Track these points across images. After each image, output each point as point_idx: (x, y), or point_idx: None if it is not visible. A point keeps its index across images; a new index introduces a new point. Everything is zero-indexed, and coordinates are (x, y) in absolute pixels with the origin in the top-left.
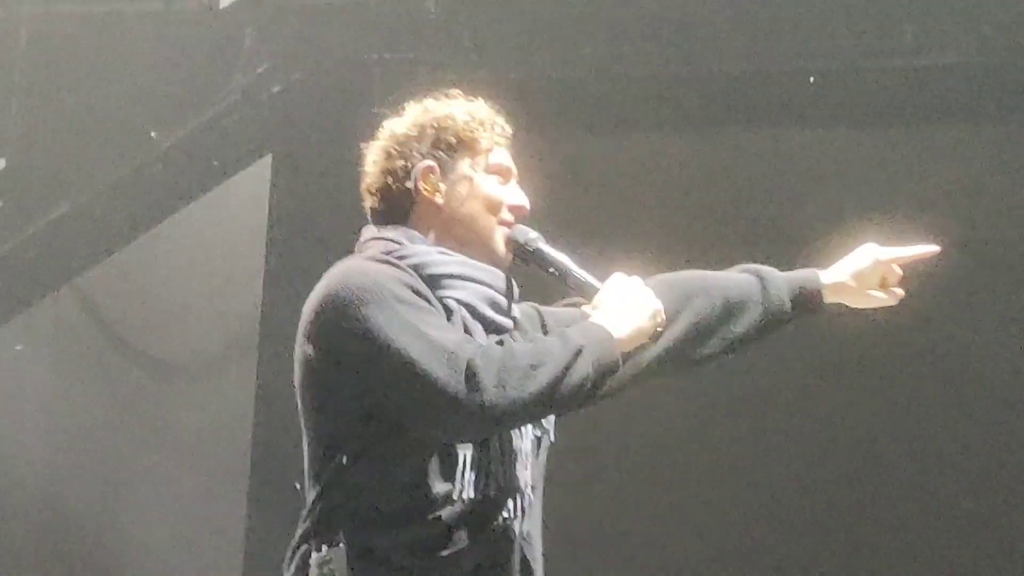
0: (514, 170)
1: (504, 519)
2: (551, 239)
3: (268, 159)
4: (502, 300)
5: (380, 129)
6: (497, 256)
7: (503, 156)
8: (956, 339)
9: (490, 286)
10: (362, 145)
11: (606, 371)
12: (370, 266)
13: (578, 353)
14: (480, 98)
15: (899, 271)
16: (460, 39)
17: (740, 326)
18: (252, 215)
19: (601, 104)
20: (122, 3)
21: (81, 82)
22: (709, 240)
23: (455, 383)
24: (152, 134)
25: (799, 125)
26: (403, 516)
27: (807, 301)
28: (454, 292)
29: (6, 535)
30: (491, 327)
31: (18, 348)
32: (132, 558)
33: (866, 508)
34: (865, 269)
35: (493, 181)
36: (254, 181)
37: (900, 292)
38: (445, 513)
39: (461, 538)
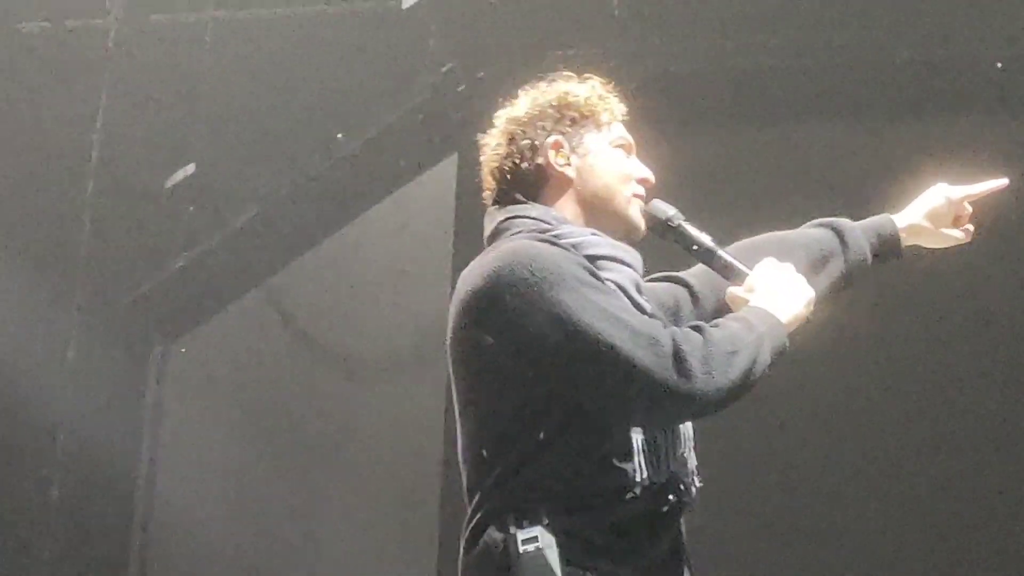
0: (634, 144)
1: (684, 501)
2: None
3: (454, 158)
4: (641, 283)
5: (496, 117)
6: (634, 229)
7: (623, 130)
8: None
9: (634, 268)
10: (479, 136)
11: (780, 357)
12: (543, 248)
13: (761, 339)
14: (593, 78)
15: (970, 208)
16: (644, 35)
17: (825, 281)
18: (439, 214)
19: (781, 95)
20: (305, 5)
21: (267, 85)
22: None
23: (663, 370)
24: (339, 135)
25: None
26: (600, 496)
27: (886, 247)
28: (610, 274)
29: (196, 530)
30: (641, 310)
31: (183, 351)
32: (322, 561)
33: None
34: (939, 208)
35: (620, 154)
36: (441, 180)
37: (971, 228)
38: (638, 495)
39: (654, 521)
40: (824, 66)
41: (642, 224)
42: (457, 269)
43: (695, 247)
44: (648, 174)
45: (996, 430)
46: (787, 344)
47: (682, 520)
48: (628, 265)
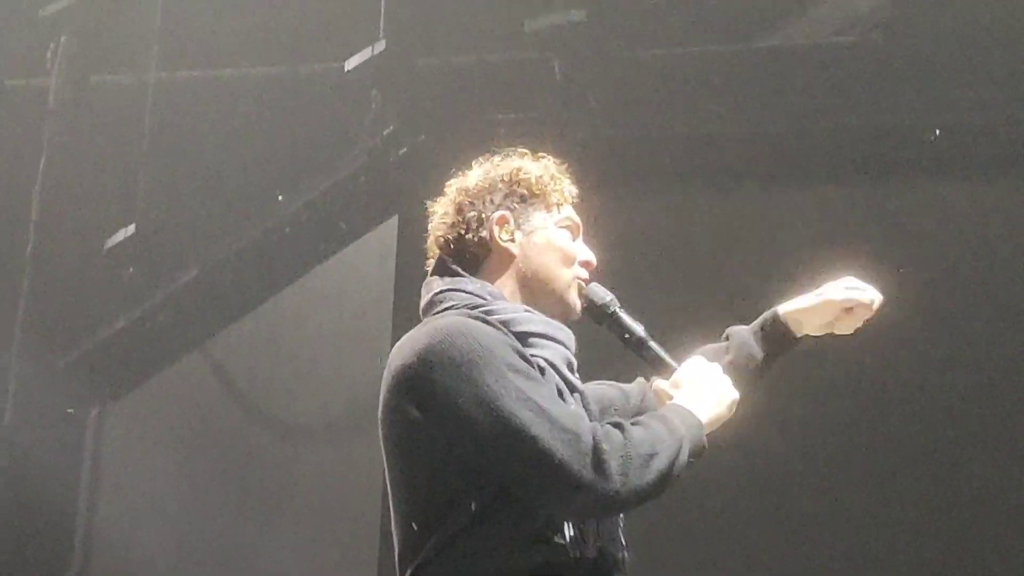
0: (581, 227)
1: (615, 573)
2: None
3: (395, 220)
4: (574, 361)
5: (446, 187)
6: (571, 310)
7: (572, 212)
8: None
9: (567, 346)
10: (428, 203)
11: (697, 458)
12: (473, 326)
13: (681, 441)
14: (550, 157)
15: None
16: (584, 100)
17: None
18: (379, 277)
19: (725, 161)
20: (248, 67)
21: (207, 147)
22: None
23: (580, 467)
24: (279, 197)
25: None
26: (532, 570)
27: (775, 337)
28: (541, 351)
29: None
30: (571, 388)
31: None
32: None
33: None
34: (819, 307)
35: (565, 235)
36: (381, 243)
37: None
38: (571, 569)
39: None
40: (765, 132)
41: (579, 306)
42: (397, 331)
43: (627, 335)
44: (591, 257)
45: (969, 446)
46: (705, 445)
47: None
48: (560, 343)
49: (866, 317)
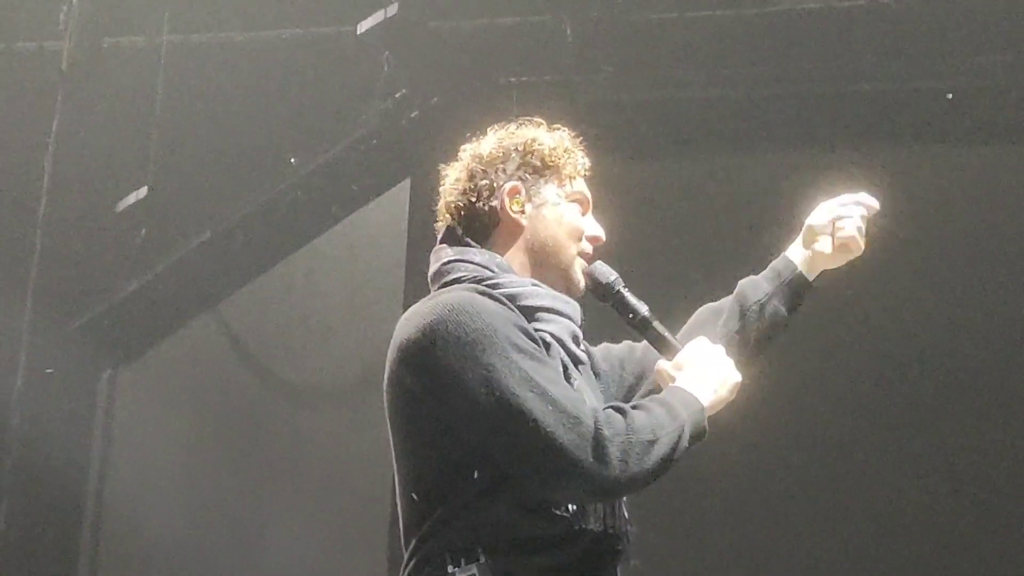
0: (591, 201)
1: (619, 549)
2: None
3: (407, 184)
4: (579, 334)
5: (460, 151)
6: (574, 286)
7: (583, 186)
8: None
9: (572, 320)
10: (442, 167)
11: (698, 442)
12: (480, 302)
13: (682, 427)
14: (565, 128)
15: (850, 224)
16: (596, 62)
17: (751, 338)
18: (391, 240)
19: (739, 125)
20: (260, 30)
21: (220, 109)
22: None
23: (580, 453)
24: (292, 160)
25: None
26: (537, 541)
27: (788, 278)
28: (547, 326)
29: (145, 554)
30: (576, 361)
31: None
32: None
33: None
34: (812, 232)
35: (575, 209)
36: (393, 206)
37: (854, 238)
38: (576, 541)
39: (591, 567)
40: (780, 95)
41: (582, 283)
42: (409, 294)
43: (631, 315)
44: (599, 233)
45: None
46: (707, 429)
47: (619, 568)
48: (567, 316)
49: (859, 226)
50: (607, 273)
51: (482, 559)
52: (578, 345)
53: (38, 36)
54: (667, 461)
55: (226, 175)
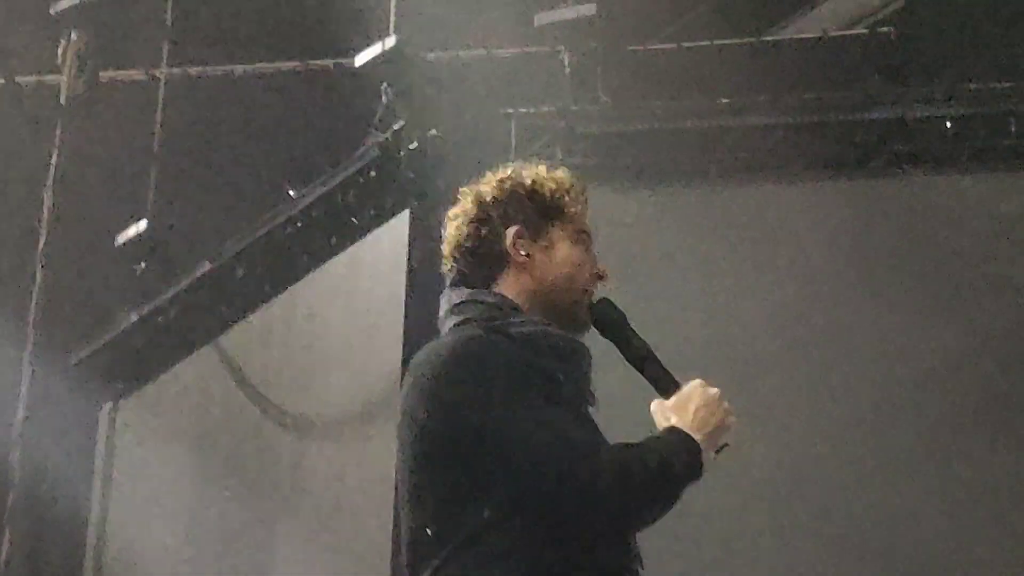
0: (592, 237)
1: None
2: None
3: (406, 215)
4: (590, 373)
5: (463, 194)
6: (580, 324)
7: (585, 224)
8: None
9: (584, 358)
10: (448, 211)
11: (695, 481)
12: (494, 342)
13: (683, 471)
14: (565, 168)
15: None
16: (594, 92)
17: None
18: (391, 271)
19: (737, 155)
20: (258, 63)
21: (219, 143)
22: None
23: (589, 491)
24: (291, 192)
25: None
26: (550, 568)
27: None
28: (559, 364)
29: None
30: (587, 400)
31: None
32: None
33: None
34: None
35: (580, 248)
36: (393, 237)
37: None
38: (587, 569)
39: None
40: (777, 126)
41: (587, 320)
42: (409, 325)
43: (633, 352)
44: (604, 269)
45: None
46: (700, 475)
47: None
48: (579, 355)
49: None
50: (611, 311)
51: None
52: (588, 384)
53: (36, 69)
54: (667, 505)
55: (225, 208)
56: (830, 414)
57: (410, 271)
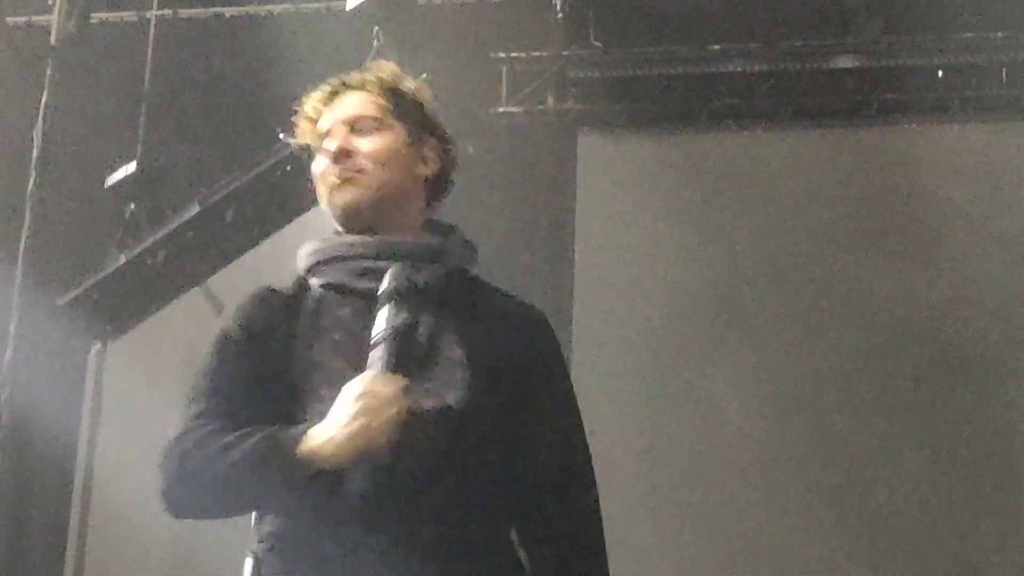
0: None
1: None
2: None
3: None
4: None
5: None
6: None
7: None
8: None
9: None
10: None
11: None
12: None
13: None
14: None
15: None
16: (586, 37)
17: None
18: None
19: (728, 101)
20: (249, 5)
21: (209, 85)
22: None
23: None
24: (280, 134)
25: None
26: None
27: None
28: None
29: (134, 530)
30: None
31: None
32: None
33: None
34: None
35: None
36: None
37: None
38: None
39: None
40: (769, 71)
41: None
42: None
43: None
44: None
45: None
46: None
47: None
48: None
49: None
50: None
51: None
52: None
53: (27, 10)
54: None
55: (215, 150)
56: (813, 359)
57: None
